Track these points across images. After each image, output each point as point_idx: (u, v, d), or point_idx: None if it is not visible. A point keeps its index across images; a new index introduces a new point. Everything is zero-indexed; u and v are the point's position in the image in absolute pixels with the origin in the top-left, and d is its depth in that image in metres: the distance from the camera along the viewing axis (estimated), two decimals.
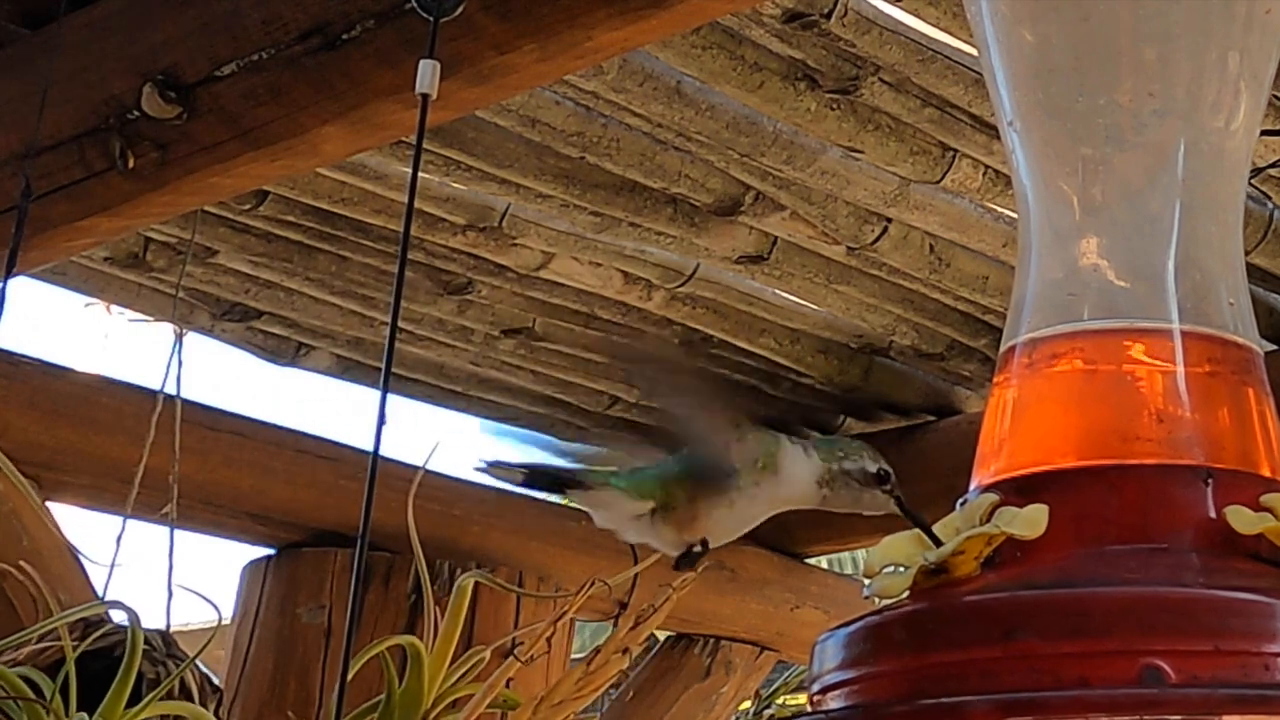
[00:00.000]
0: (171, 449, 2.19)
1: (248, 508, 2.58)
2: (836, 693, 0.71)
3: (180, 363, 2.31)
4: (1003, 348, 0.80)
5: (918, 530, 0.76)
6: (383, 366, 1.20)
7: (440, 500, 2.63)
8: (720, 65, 1.89)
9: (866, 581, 0.74)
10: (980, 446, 0.78)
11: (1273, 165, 2.07)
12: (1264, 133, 1.69)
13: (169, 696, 1.62)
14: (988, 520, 0.72)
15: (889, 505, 1.47)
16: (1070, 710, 0.64)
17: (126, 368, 2.56)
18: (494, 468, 1.38)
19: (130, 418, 2.33)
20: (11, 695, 1.47)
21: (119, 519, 2.16)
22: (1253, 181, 2.11)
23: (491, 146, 2.10)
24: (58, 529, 2.31)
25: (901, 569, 0.72)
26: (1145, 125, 0.79)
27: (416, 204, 1.30)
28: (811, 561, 3.16)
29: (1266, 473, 0.75)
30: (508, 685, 1.56)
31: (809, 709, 0.73)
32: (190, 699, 1.69)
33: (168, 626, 1.93)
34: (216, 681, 1.88)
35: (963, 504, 0.76)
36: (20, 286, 1.92)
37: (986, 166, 2.12)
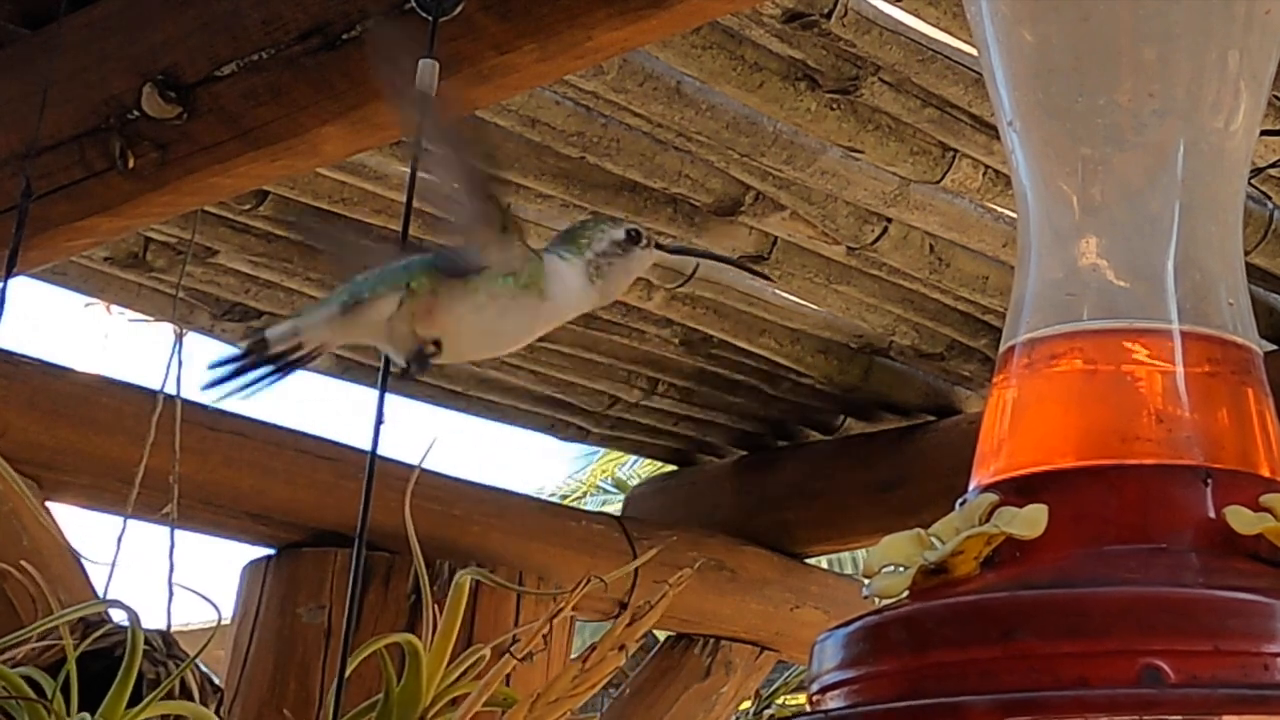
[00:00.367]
0: (171, 449, 2.19)
1: (248, 508, 2.58)
2: (836, 692, 0.71)
3: (180, 363, 2.31)
4: (1002, 348, 0.80)
5: (918, 530, 0.76)
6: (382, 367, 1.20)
7: (440, 500, 2.63)
8: (720, 65, 1.90)
9: (866, 581, 0.74)
10: (980, 446, 0.78)
11: (1273, 165, 2.07)
12: (1264, 133, 1.69)
13: (169, 696, 1.62)
14: (987, 520, 0.72)
15: (655, 255, 1.37)
16: (1069, 710, 0.64)
17: (126, 368, 2.56)
18: (219, 380, 1.29)
19: (130, 418, 2.33)
20: (13, 695, 1.48)
21: (119, 519, 2.17)
22: (1253, 181, 2.11)
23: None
24: (58, 529, 2.31)
25: (901, 569, 0.72)
26: (1145, 125, 0.79)
27: (417, 204, 1.30)
28: (811, 561, 3.16)
29: (1266, 473, 0.75)
30: (508, 683, 1.56)
31: (809, 709, 0.73)
32: (191, 699, 1.70)
33: (168, 626, 1.94)
34: (217, 681, 1.88)
35: (962, 504, 0.76)
36: (20, 286, 1.92)
37: (986, 166, 2.13)
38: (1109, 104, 0.80)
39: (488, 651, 1.47)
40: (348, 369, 2.74)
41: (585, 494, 10.75)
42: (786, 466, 2.99)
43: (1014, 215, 2.10)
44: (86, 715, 1.51)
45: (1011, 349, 0.79)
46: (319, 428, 2.63)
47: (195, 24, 1.66)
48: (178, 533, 2.20)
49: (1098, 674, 0.64)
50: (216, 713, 1.68)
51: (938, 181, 2.14)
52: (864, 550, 3.09)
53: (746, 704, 3.16)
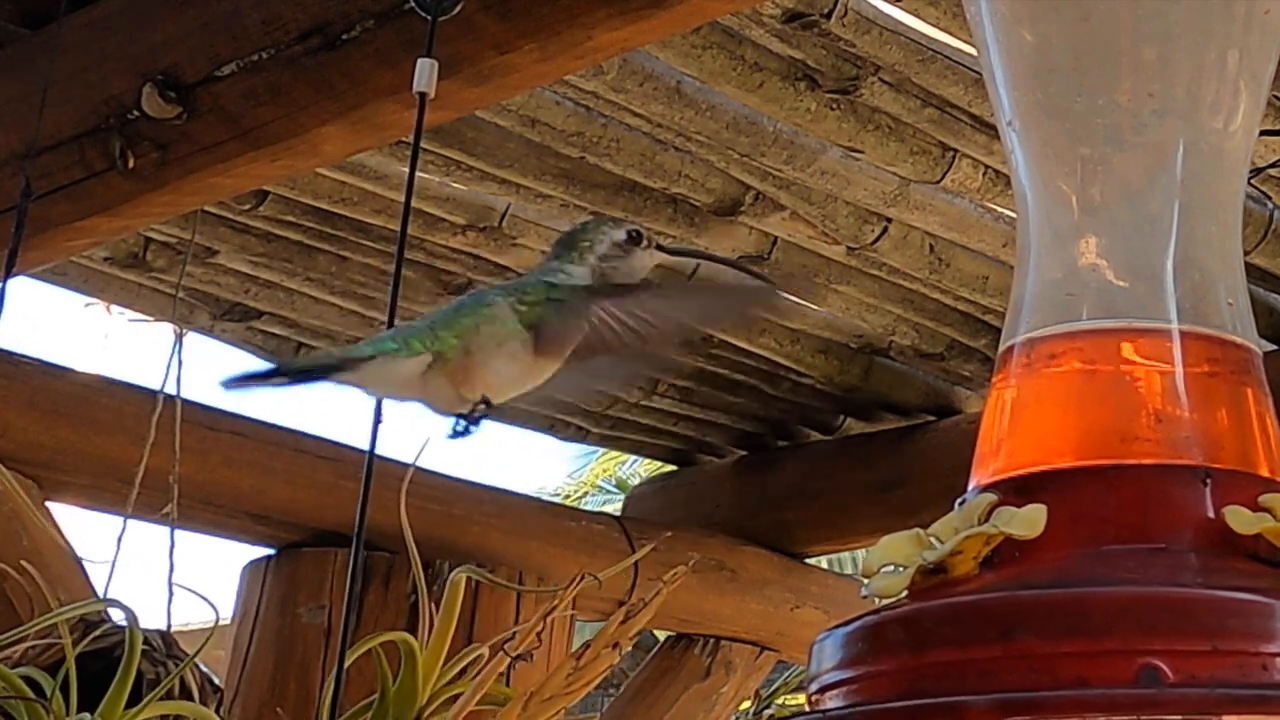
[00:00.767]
0: (171, 449, 2.20)
1: (248, 508, 2.58)
2: (835, 692, 0.71)
3: (180, 363, 2.31)
4: (1001, 348, 0.80)
5: (917, 530, 0.76)
6: None
7: (440, 500, 2.63)
8: (720, 65, 1.90)
9: (865, 581, 0.74)
10: (979, 446, 0.78)
11: (1273, 165, 2.07)
12: (1264, 133, 1.69)
13: (169, 696, 1.62)
14: (986, 520, 0.72)
15: (657, 256, 1.38)
16: (1068, 710, 0.64)
17: (126, 368, 2.56)
18: (241, 381, 1.29)
19: (130, 418, 2.33)
20: (12, 695, 1.48)
21: (119, 519, 2.17)
22: (1252, 181, 2.11)
23: (491, 146, 2.10)
24: (58, 529, 2.31)
25: (900, 569, 0.72)
26: (1145, 125, 0.79)
27: (417, 204, 1.30)
28: (811, 561, 3.16)
29: (1265, 473, 0.74)
30: (508, 683, 1.56)
31: (808, 709, 0.73)
32: (190, 699, 1.70)
33: (168, 626, 1.94)
34: (217, 681, 1.88)
35: (961, 504, 0.76)
36: (20, 286, 1.92)
37: (986, 166, 2.13)
38: (1108, 104, 0.80)
39: (486, 650, 1.47)
40: None
41: (585, 494, 10.76)
42: (786, 466, 3.00)
43: (1014, 215, 2.09)
44: (86, 715, 1.51)
45: (1011, 349, 0.79)
46: (319, 428, 2.64)
47: (195, 24, 1.66)
48: (178, 533, 2.20)
49: (1096, 674, 0.64)
50: (216, 712, 1.68)
51: (938, 181, 2.14)
52: (864, 550, 3.09)
53: (746, 704, 3.16)
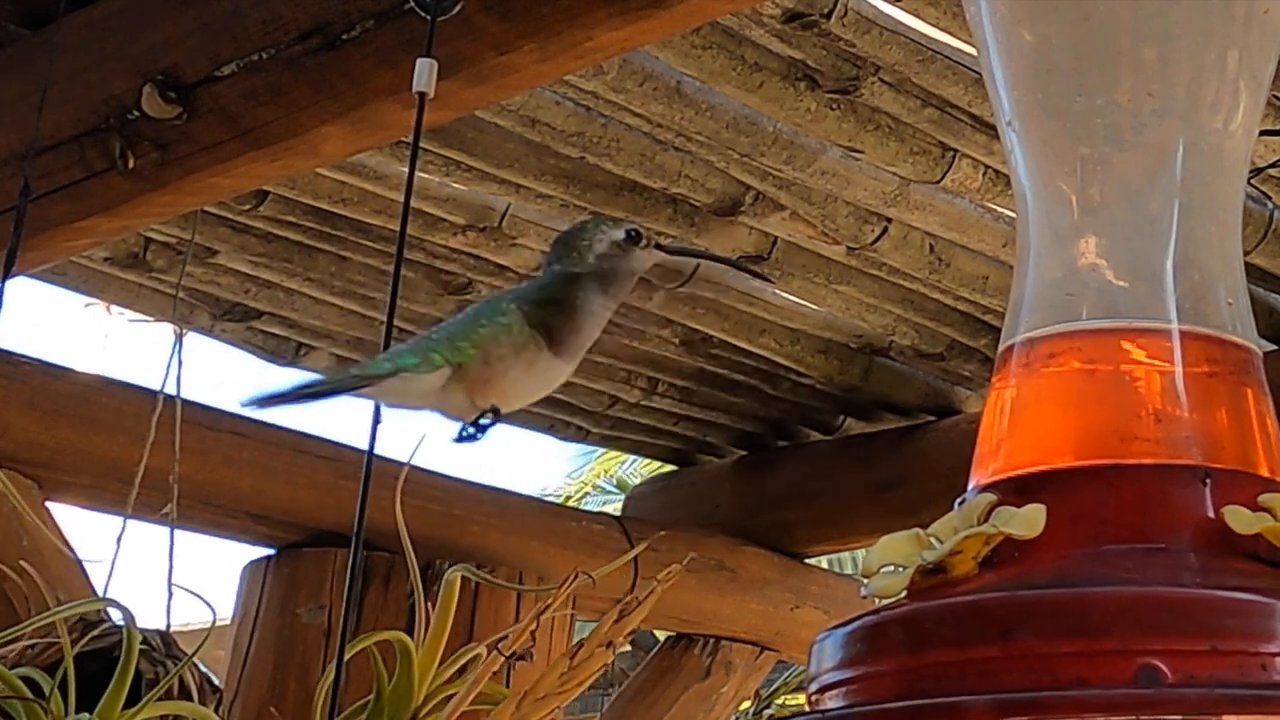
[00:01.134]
0: (171, 449, 2.19)
1: (248, 508, 2.58)
2: (835, 692, 0.71)
3: (180, 363, 2.31)
4: (1001, 347, 0.80)
5: (917, 530, 0.76)
6: None
7: (440, 500, 2.63)
8: (720, 65, 1.89)
9: (865, 581, 0.74)
10: (978, 446, 0.78)
11: (1273, 165, 2.07)
12: (1264, 133, 1.69)
13: (168, 696, 1.62)
14: (986, 520, 0.72)
15: (656, 255, 1.40)
16: (1067, 710, 0.64)
17: (126, 368, 2.56)
18: (264, 400, 1.30)
19: (130, 418, 2.33)
20: (11, 695, 1.47)
21: (119, 519, 2.17)
22: (1252, 181, 2.11)
23: (491, 146, 2.10)
24: (58, 529, 2.31)
25: (899, 569, 0.72)
26: (1144, 125, 0.79)
27: (417, 204, 1.30)
28: (811, 561, 3.16)
29: (1265, 473, 0.74)
30: (507, 683, 1.55)
31: (808, 709, 0.73)
32: (190, 699, 1.69)
33: (167, 626, 1.93)
34: (216, 681, 1.88)
35: (961, 504, 0.76)
36: (20, 286, 1.92)
37: (986, 166, 2.12)
38: (1108, 104, 0.80)
39: (483, 650, 1.47)
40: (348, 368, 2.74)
41: (585, 494, 10.75)
42: (786, 466, 2.99)
43: (1014, 215, 2.10)
44: (86, 715, 1.51)
45: (1010, 349, 0.79)
46: (318, 428, 2.64)
47: (195, 24, 1.66)
48: (178, 533, 2.20)
49: (1096, 674, 0.64)
50: (216, 712, 1.68)
51: (938, 181, 2.14)
52: (864, 550, 3.09)
53: (746, 704, 3.16)
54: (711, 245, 2.32)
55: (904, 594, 0.72)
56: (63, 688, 1.52)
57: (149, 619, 1.78)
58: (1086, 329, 0.78)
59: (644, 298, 2.49)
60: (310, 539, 2.62)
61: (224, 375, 2.70)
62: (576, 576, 1.42)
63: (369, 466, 1.14)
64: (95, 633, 1.71)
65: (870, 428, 2.90)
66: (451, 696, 1.48)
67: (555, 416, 2.93)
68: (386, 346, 1.26)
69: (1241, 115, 0.80)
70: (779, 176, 2.17)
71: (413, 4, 1.42)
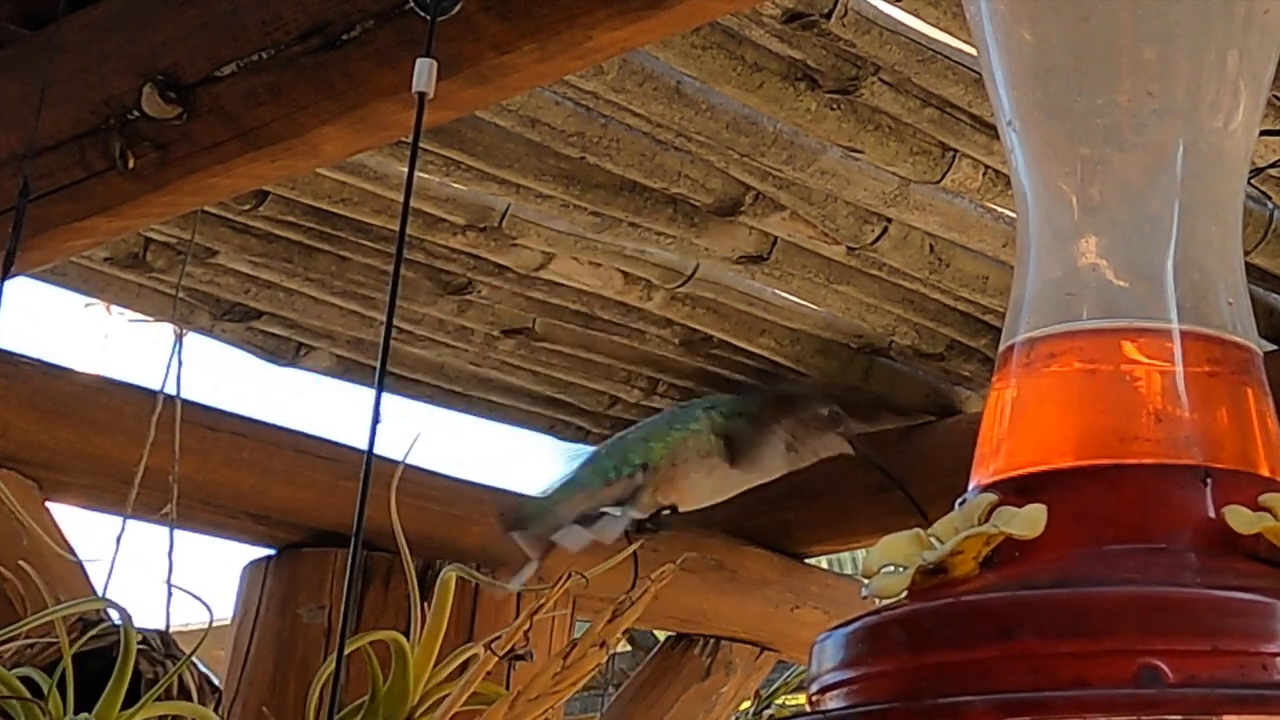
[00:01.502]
0: (171, 449, 2.19)
1: (248, 508, 2.58)
2: (835, 693, 0.71)
3: (180, 363, 2.31)
4: (1001, 347, 0.80)
5: (917, 530, 0.76)
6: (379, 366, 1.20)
7: (440, 500, 2.63)
8: (720, 65, 1.89)
9: (865, 581, 0.74)
10: (979, 446, 0.78)
11: (1273, 165, 2.07)
12: (1264, 133, 1.69)
13: (167, 696, 1.62)
14: (986, 520, 0.72)
15: (843, 446, 1.50)
16: (1068, 710, 0.64)
17: (126, 368, 2.56)
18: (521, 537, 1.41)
19: (130, 418, 2.33)
20: (10, 695, 1.47)
21: (119, 519, 2.16)
22: (1253, 181, 2.11)
23: (491, 146, 2.10)
24: (57, 529, 2.31)
25: (900, 569, 0.72)
26: (1144, 125, 0.79)
27: (417, 204, 1.30)
28: (811, 561, 3.16)
29: (1265, 472, 0.74)
30: (507, 684, 1.55)
31: (808, 709, 0.73)
32: (189, 699, 1.69)
33: (167, 626, 1.93)
34: (215, 681, 1.88)
35: (961, 504, 0.76)
36: (20, 286, 1.92)
37: (986, 166, 2.12)
38: (1108, 104, 0.80)
39: (480, 650, 1.47)
40: (348, 369, 2.74)
41: None
42: None
43: (1014, 215, 2.09)
44: (85, 715, 1.51)
45: (1011, 349, 0.79)
46: (319, 428, 2.64)
47: (195, 24, 1.66)
48: (177, 533, 2.20)
49: (1096, 674, 0.64)
50: (215, 712, 1.68)
51: (938, 181, 2.14)
52: (864, 550, 3.09)
53: (746, 704, 3.16)
54: (711, 245, 2.32)
55: (904, 594, 0.72)
56: (61, 687, 1.52)
57: (149, 619, 1.78)
58: (1087, 329, 0.78)
59: (644, 298, 2.49)
60: (310, 539, 2.62)
61: (224, 375, 2.71)
62: (569, 576, 1.42)
63: (369, 466, 1.14)
64: (94, 632, 1.71)
65: (870, 428, 2.90)
66: (445, 697, 1.48)
67: (555, 416, 2.93)
68: (386, 346, 1.26)
69: (1241, 115, 0.80)
70: (779, 176, 2.17)
71: (413, 4, 1.42)
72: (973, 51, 1.81)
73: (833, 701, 0.71)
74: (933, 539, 0.73)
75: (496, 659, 1.41)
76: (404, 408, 2.85)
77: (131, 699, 1.55)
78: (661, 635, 3.20)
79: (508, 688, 1.52)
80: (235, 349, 2.67)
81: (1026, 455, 0.76)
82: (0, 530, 2.18)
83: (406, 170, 1.33)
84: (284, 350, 2.69)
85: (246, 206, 2.26)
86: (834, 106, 1.99)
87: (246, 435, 2.55)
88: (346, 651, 1.41)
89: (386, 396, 1.27)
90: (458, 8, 1.40)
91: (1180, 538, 0.71)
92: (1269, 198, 2.19)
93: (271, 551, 2.68)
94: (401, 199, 1.27)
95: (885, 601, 0.72)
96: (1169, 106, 0.79)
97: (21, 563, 1.80)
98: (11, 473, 2.31)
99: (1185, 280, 0.77)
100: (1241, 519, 0.70)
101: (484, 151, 2.10)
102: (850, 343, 2.67)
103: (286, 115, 1.61)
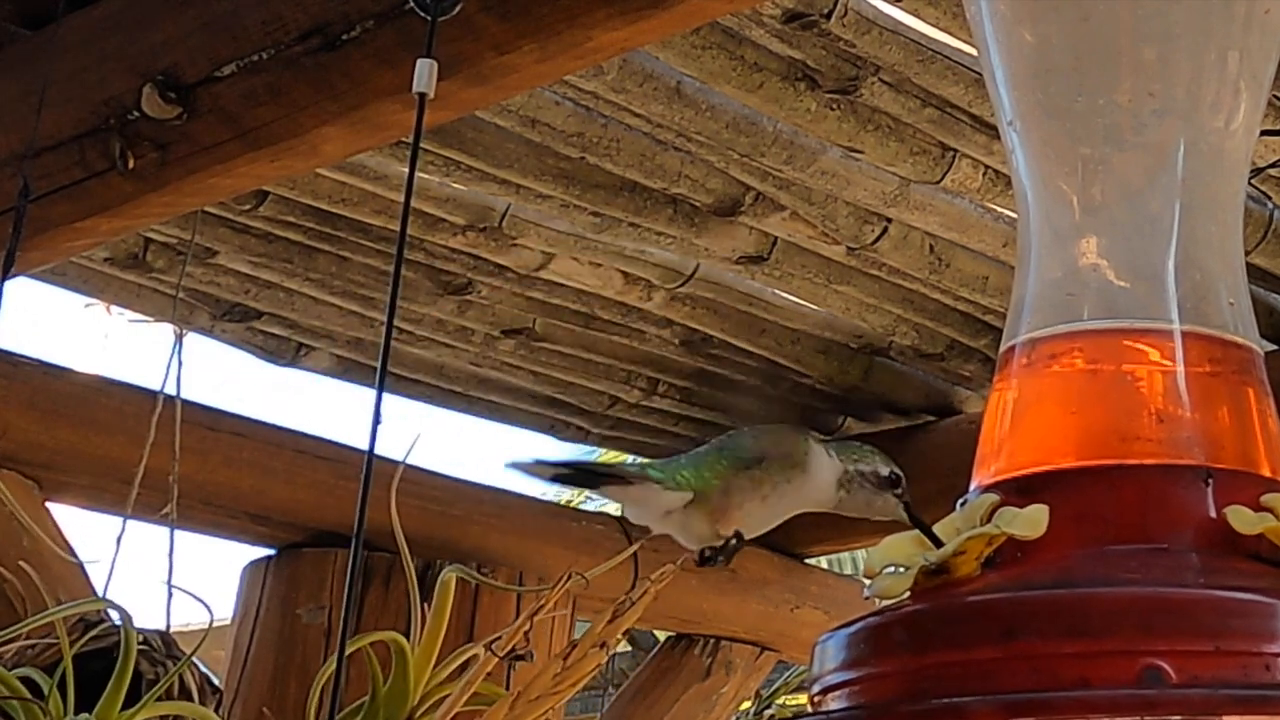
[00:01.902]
0: (171, 449, 2.19)
1: (248, 508, 2.58)
2: (837, 693, 0.71)
3: (180, 363, 2.31)
4: (1002, 348, 0.80)
5: (918, 531, 0.76)
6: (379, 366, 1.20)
7: (440, 500, 2.63)
8: (720, 65, 1.89)
9: (867, 582, 0.74)
10: (980, 447, 0.78)
11: (1273, 165, 2.07)
12: (1264, 133, 1.69)
13: (168, 696, 1.62)
14: (988, 520, 0.72)
15: (898, 511, 1.52)
16: (1071, 710, 0.64)
17: (126, 368, 2.56)
18: (526, 467, 1.41)
19: (130, 418, 2.33)
20: (10, 695, 1.47)
21: (119, 519, 2.16)
22: (1253, 181, 2.11)
23: (491, 146, 2.10)
24: (58, 529, 2.31)
25: (902, 569, 0.72)
26: (1145, 125, 0.79)
27: (417, 204, 1.30)
28: (811, 561, 3.16)
29: (1267, 473, 0.75)
30: (508, 684, 1.55)
31: (809, 709, 0.73)
32: (190, 699, 1.69)
33: (167, 626, 1.93)
34: (216, 682, 1.88)
35: (963, 504, 0.76)
36: (20, 286, 1.92)
37: (986, 166, 2.12)
38: (1109, 104, 0.80)
39: (480, 651, 1.47)
40: (348, 369, 2.74)
41: (585, 494, 10.74)
42: None
43: (1014, 215, 2.10)
44: (85, 715, 1.51)
45: (1012, 349, 0.79)
46: (319, 428, 2.64)
47: (195, 24, 1.66)
48: (177, 533, 2.20)
49: (1099, 674, 0.64)
50: (215, 712, 1.68)
51: (938, 181, 2.14)
52: (864, 550, 3.09)
53: (746, 704, 3.16)
54: (711, 245, 2.32)
55: (907, 595, 0.72)
56: (61, 688, 1.52)
57: (149, 619, 1.78)
58: (1088, 329, 0.78)
59: (644, 298, 2.49)
60: (310, 539, 2.62)
61: (224, 375, 2.70)
62: (570, 576, 1.42)
63: (369, 466, 1.14)
64: (94, 633, 1.71)
65: (870, 428, 2.90)
66: (445, 697, 1.48)
67: (555, 416, 2.93)
68: (387, 346, 1.26)
69: (1242, 115, 0.80)
70: (779, 176, 2.17)
71: (413, 4, 1.42)
72: (973, 51, 1.81)
73: (835, 702, 0.71)
74: None
75: (497, 659, 1.41)
76: (404, 408, 2.86)
77: (132, 699, 1.55)
78: (662, 635, 3.20)
79: (508, 688, 1.52)
80: (235, 349, 2.67)
81: (1028, 455, 0.76)
82: (0, 530, 2.18)
83: (407, 170, 1.33)
84: (284, 350, 2.69)
85: (246, 206, 2.26)
86: (834, 106, 1.99)
87: (246, 435, 2.55)
88: (347, 652, 1.41)
89: (386, 396, 1.27)
90: (458, 8, 1.40)
91: (1182, 538, 0.71)
92: (1269, 198, 2.19)
93: (271, 552, 2.68)
94: (402, 199, 1.27)
95: (887, 602, 0.72)
96: (1169, 107, 0.79)
97: (21, 563, 1.80)
98: (11, 473, 2.31)
99: (1186, 280, 0.78)
100: (1243, 519, 0.70)
101: (484, 151, 2.10)
102: (850, 343, 2.67)
103: (286, 115, 1.61)
